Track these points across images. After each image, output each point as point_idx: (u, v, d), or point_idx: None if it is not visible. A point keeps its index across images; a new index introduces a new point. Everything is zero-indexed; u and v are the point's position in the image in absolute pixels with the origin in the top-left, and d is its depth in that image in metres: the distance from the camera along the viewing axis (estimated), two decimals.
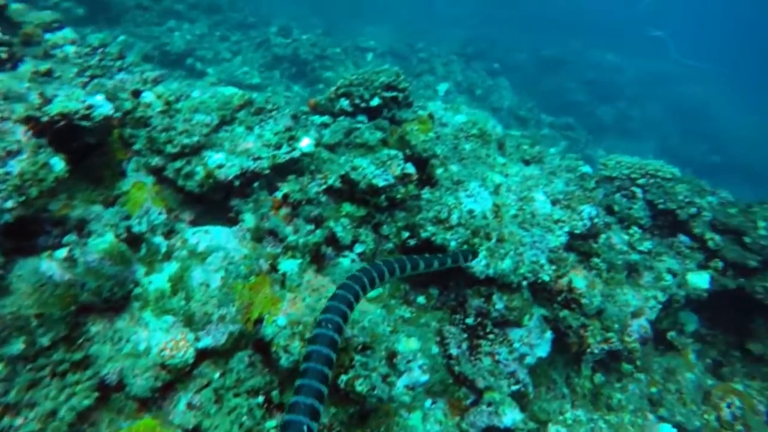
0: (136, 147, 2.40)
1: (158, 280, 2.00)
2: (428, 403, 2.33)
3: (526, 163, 2.85)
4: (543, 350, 2.47)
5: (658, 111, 20.85)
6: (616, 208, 3.19)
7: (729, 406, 2.76)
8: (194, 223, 2.36)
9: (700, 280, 2.92)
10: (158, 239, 2.17)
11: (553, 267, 2.44)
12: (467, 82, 11.71)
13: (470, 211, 2.36)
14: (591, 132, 16.59)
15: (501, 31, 23.66)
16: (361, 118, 2.90)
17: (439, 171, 2.53)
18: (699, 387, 2.87)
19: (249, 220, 2.24)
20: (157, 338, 1.87)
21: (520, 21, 25.87)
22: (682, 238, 3.13)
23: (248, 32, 11.72)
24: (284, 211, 2.36)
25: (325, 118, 3.01)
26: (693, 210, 3.16)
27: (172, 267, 2.03)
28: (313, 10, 21.53)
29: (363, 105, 2.85)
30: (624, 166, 3.37)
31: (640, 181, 3.30)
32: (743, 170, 18.78)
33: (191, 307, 1.94)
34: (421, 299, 2.58)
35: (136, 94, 2.71)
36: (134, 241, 2.09)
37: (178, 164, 2.28)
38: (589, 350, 2.51)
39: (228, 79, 9.16)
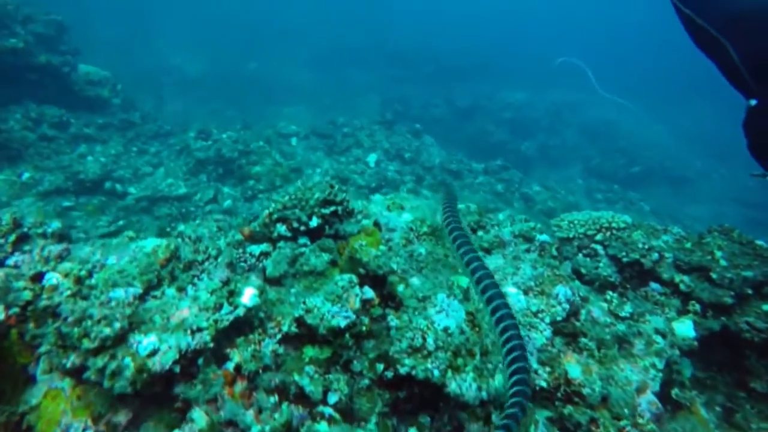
0: (42, 350, 1.99)
1: None
2: None
3: (487, 251, 2.71)
4: None
5: (575, 137, 22.30)
6: (582, 271, 3.09)
7: None
8: (133, 424, 1.95)
9: (685, 330, 2.81)
10: None
11: (547, 369, 2.23)
12: (394, 148, 11.90)
13: (445, 329, 2.12)
14: (520, 167, 17.31)
15: (412, 89, 24.87)
16: (303, 240, 2.65)
17: (400, 289, 2.30)
18: None
19: (199, 419, 1.86)
20: None
21: (426, 76, 27.37)
22: (654, 285, 3.05)
23: (167, 140, 11.43)
24: (240, 386, 2.01)
25: (264, 246, 2.73)
26: (655, 255, 3.11)
27: None
28: (227, 103, 21.74)
29: (302, 228, 2.62)
30: (578, 224, 3.31)
31: (598, 237, 3.25)
32: (661, 174, 20.19)
33: None
34: (412, 431, 2.27)
35: (37, 278, 2.32)
36: None
37: (99, 362, 1.89)
38: None
39: (152, 195, 8.74)
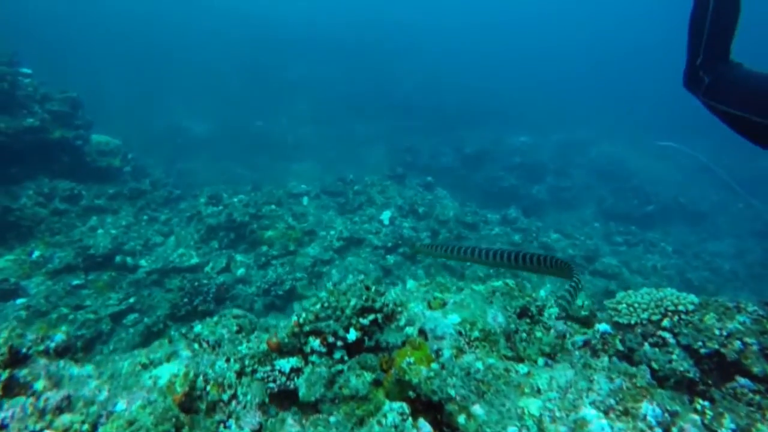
0: None
1: None
2: None
3: (550, 356, 2.36)
4: None
5: (585, 177, 22.14)
6: (654, 365, 2.71)
7: None
8: None
9: None
10: None
11: None
12: (408, 203, 11.69)
13: None
14: (533, 211, 17.05)
15: (419, 138, 25.05)
16: (339, 353, 2.32)
17: (461, 421, 1.95)
18: None
19: None
20: None
21: (432, 125, 27.68)
22: (743, 381, 2.65)
23: (177, 206, 11.33)
24: None
25: (294, 361, 2.40)
26: (738, 344, 2.72)
27: None
28: (236, 161, 21.95)
29: (339, 343, 2.30)
30: (639, 308, 2.96)
31: (665, 323, 2.88)
32: (677, 210, 19.79)
33: None
34: None
35: None
36: None
37: None
38: None
39: (163, 267, 8.49)
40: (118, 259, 8.28)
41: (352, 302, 2.32)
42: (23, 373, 2.62)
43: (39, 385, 2.56)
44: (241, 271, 8.66)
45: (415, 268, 9.81)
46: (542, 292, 3.47)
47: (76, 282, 7.66)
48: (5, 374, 2.30)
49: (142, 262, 8.49)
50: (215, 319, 3.34)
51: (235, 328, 3.24)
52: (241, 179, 19.45)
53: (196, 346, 3.01)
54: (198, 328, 3.25)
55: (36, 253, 7.98)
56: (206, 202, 10.53)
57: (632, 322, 2.93)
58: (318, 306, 2.37)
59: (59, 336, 2.93)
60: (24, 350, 2.70)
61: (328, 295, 2.40)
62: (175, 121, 25.16)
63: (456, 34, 49.87)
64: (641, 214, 18.28)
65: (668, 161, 25.81)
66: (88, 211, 9.67)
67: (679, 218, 19.30)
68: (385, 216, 10.79)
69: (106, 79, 25.12)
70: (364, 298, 2.35)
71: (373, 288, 2.45)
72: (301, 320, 2.37)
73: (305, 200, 11.90)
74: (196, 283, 7.45)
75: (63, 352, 2.95)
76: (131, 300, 7.34)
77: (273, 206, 10.16)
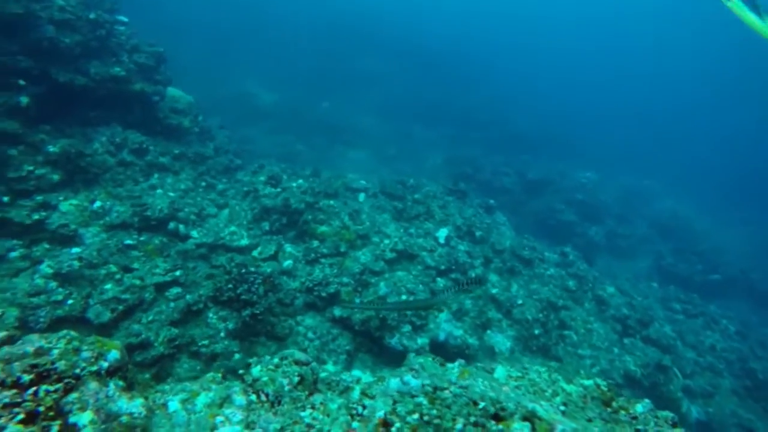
0: None
1: None
2: None
3: None
4: None
5: (645, 228, 21.02)
6: None
7: None
8: None
9: None
10: None
11: None
12: (466, 224, 11.19)
13: None
14: (585, 252, 16.14)
15: (477, 152, 24.38)
16: None
17: None
18: None
19: None
20: None
21: (493, 141, 26.91)
22: None
23: (235, 176, 11.25)
24: None
25: None
26: None
27: None
28: (296, 136, 21.93)
29: None
30: None
31: None
32: (744, 285, 18.46)
33: None
34: None
35: None
36: None
37: None
38: None
39: (213, 243, 8.37)
40: (171, 225, 8.21)
41: (459, 426, 1.93)
42: (72, 398, 2.36)
43: (85, 418, 2.29)
44: (287, 263, 8.44)
45: (464, 296, 9.35)
46: (639, 408, 2.98)
47: (128, 241, 7.61)
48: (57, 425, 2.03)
49: (194, 233, 8.39)
50: (275, 361, 3.02)
51: (296, 379, 2.90)
52: (297, 156, 19.40)
53: (253, 397, 2.70)
54: (256, 371, 2.94)
55: (97, 203, 7.98)
56: (265, 182, 10.37)
57: None
58: (415, 417, 1.98)
59: (113, 354, 2.67)
60: (78, 369, 2.45)
61: (429, 404, 2.01)
62: (241, 86, 25.38)
63: (535, 54, 48.41)
64: (704, 282, 17.11)
65: (739, 229, 24.20)
66: (151, 168, 9.65)
67: (743, 294, 17.98)
68: (442, 234, 10.34)
69: (187, 37, 25.50)
70: (472, 420, 1.95)
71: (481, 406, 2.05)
72: (389, 420, 2.00)
73: (362, 196, 11.59)
74: (243, 271, 7.25)
75: (114, 372, 2.70)
76: (177, 273, 7.22)
77: (331, 202, 9.88)
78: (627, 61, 52.90)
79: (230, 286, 7.00)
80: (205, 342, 6.50)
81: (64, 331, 2.62)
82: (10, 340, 2.57)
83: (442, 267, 9.26)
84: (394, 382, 3.27)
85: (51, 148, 7.86)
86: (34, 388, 2.09)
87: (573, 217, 18.96)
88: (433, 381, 3.22)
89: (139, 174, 9.33)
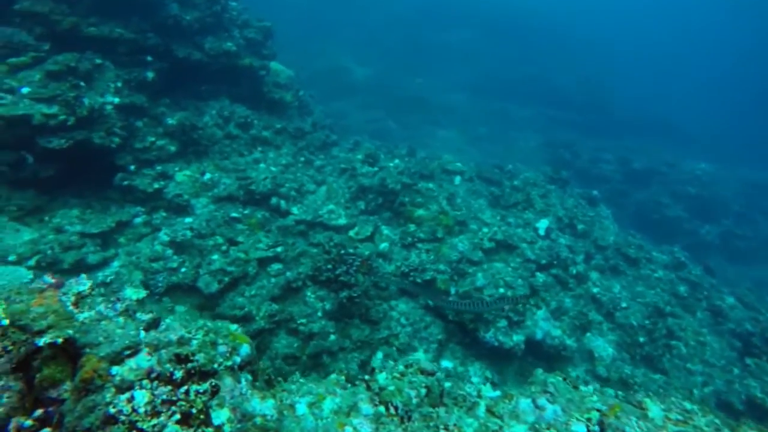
0: None
1: None
2: None
3: None
4: None
5: None
6: None
7: None
8: None
9: None
10: None
11: None
12: (568, 216, 10.46)
13: None
14: (693, 252, 14.62)
15: (575, 136, 22.85)
16: None
17: None
18: None
19: None
20: None
21: (592, 124, 25.08)
22: None
23: (331, 152, 11.31)
24: None
25: None
26: None
27: None
28: (387, 112, 21.76)
29: None
30: None
31: None
32: None
33: None
34: None
35: None
36: None
37: None
38: None
39: (312, 220, 8.45)
40: (273, 201, 8.38)
41: None
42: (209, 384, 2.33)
43: (223, 416, 2.24)
44: (383, 246, 8.35)
45: (564, 294, 8.78)
46: None
47: (234, 214, 7.88)
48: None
49: (294, 210, 8.52)
50: (400, 368, 2.85)
51: (423, 391, 2.72)
52: (389, 134, 19.26)
53: (381, 409, 2.55)
54: (382, 378, 2.78)
55: (207, 175, 8.33)
56: (363, 160, 10.30)
57: None
58: None
59: (245, 349, 2.62)
60: (216, 365, 2.41)
61: None
62: (335, 59, 25.49)
63: (645, 31, 44.06)
64: None
65: None
66: (255, 141, 9.91)
67: None
68: (542, 225, 9.73)
69: (286, 10, 25.94)
70: None
71: None
72: None
73: (457, 179, 11.19)
74: (343, 252, 7.24)
75: (244, 366, 2.66)
76: (278, 249, 7.37)
77: (430, 185, 9.61)
78: (752, 40, 46.71)
79: (329, 266, 7.03)
80: (303, 321, 6.60)
81: (201, 322, 2.61)
82: (156, 323, 2.60)
83: (543, 261, 8.72)
84: (524, 404, 2.99)
85: (170, 121, 8.28)
86: (186, 387, 2.06)
87: (681, 213, 17.26)
88: (569, 408, 2.90)
89: (244, 147, 9.62)
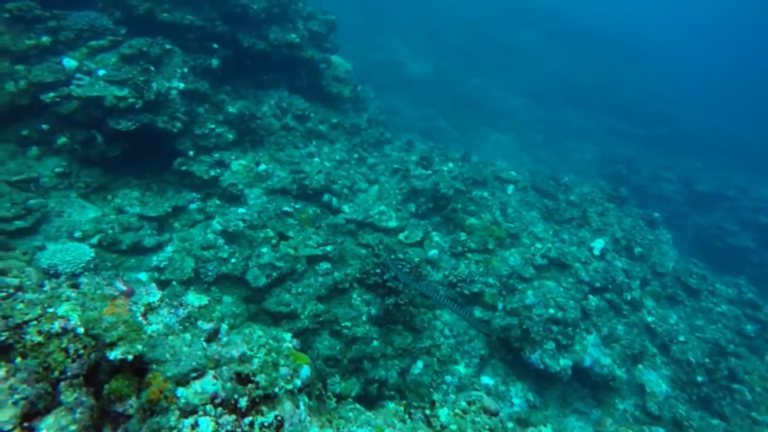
0: None
1: None
2: None
3: None
4: None
5: None
6: None
7: None
8: None
9: None
10: None
11: None
12: (626, 237, 9.91)
13: None
14: (760, 286, 13.62)
15: (636, 150, 21.77)
16: None
17: None
18: None
19: None
20: None
21: (655, 139, 23.81)
22: None
23: (384, 149, 11.18)
24: None
25: None
26: None
27: None
28: (440, 112, 21.39)
29: None
30: None
31: None
32: None
33: None
34: None
35: None
36: None
37: None
38: None
39: (362, 220, 8.34)
40: (326, 197, 8.32)
41: None
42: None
43: None
44: (432, 253, 8.15)
45: (616, 321, 8.33)
46: None
47: (286, 208, 7.86)
48: None
49: (345, 208, 8.44)
50: (462, 405, 2.68)
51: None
52: (440, 133, 18.91)
53: None
54: (444, 415, 2.61)
55: (262, 166, 8.36)
56: (417, 162, 10.11)
57: None
58: None
59: (305, 371, 2.51)
60: (276, 390, 2.30)
61: None
62: (393, 54, 25.22)
63: (716, 46, 41.47)
64: None
65: None
66: (310, 135, 9.88)
67: None
68: (598, 245, 9.27)
69: (345, 2, 25.87)
70: None
71: None
72: None
73: (510, 188, 10.82)
74: (393, 257, 7.09)
75: (303, 388, 2.54)
76: (328, 248, 7.29)
77: (484, 193, 9.32)
78: None
79: (378, 270, 6.90)
80: (348, 324, 6.50)
81: (263, 338, 2.51)
82: (215, 333, 2.52)
83: (597, 284, 8.29)
84: None
85: (230, 109, 8.34)
86: (251, 418, 1.96)
87: (749, 243, 16.10)
88: None
89: (299, 140, 9.60)
